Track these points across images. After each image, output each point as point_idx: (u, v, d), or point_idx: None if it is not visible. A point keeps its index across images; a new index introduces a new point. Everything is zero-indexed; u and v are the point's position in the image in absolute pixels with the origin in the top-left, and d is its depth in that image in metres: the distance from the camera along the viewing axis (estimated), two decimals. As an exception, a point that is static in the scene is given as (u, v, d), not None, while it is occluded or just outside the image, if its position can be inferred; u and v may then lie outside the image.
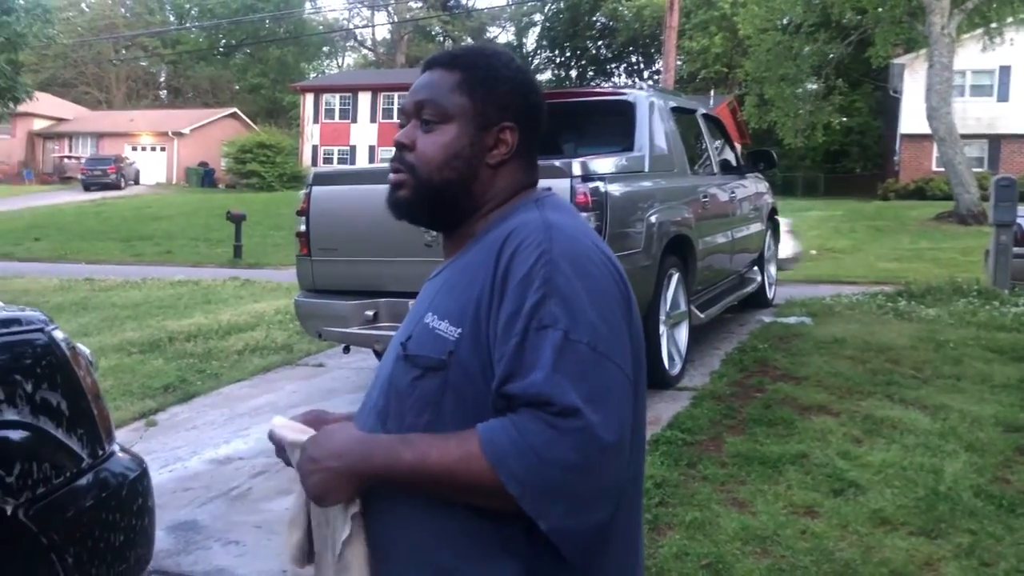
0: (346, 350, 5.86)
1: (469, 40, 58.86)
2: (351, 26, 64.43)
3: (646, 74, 55.35)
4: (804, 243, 12.59)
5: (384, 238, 4.86)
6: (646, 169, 5.58)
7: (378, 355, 5.29)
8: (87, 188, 37.88)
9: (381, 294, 5.05)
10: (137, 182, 41.55)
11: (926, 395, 5.11)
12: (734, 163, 7.67)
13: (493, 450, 1.09)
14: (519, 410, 1.10)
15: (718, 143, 7.53)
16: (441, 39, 59.86)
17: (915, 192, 28.81)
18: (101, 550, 2.14)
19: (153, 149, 46.43)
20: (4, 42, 15.67)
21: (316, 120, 43.90)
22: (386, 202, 1.35)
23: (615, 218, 4.80)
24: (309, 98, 44.42)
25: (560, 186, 4.51)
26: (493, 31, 62.65)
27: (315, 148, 43.35)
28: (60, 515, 2.03)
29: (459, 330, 1.18)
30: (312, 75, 60.24)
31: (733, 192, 7.12)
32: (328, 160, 42.47)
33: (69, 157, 45.90)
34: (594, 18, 54.33)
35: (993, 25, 21.31)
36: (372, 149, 41.93)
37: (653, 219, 5.24)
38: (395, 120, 42.41)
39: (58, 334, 2.21)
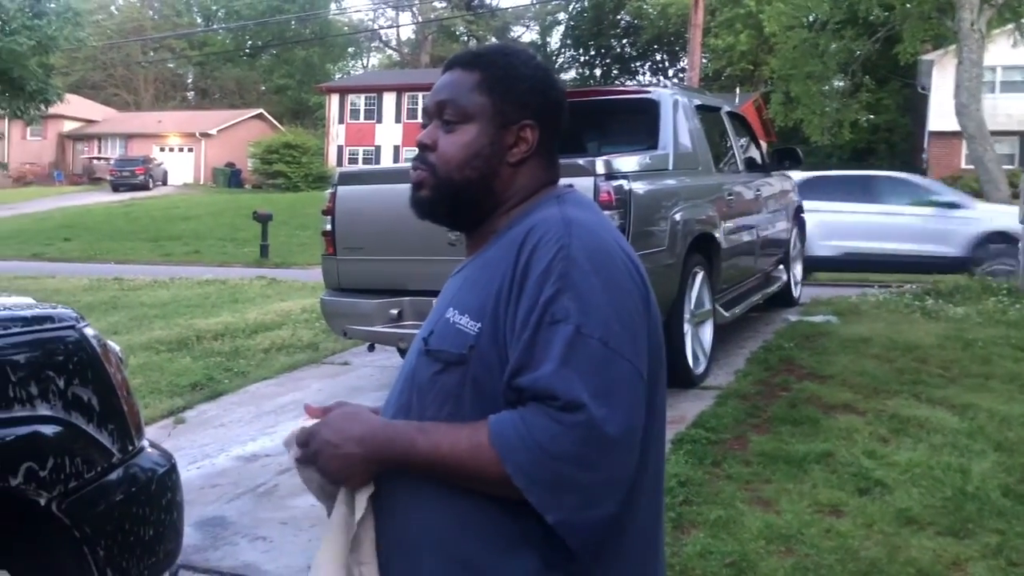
0: (371, 348, 5.90)
1: (493, 39, 58.93)
2: (376, 27, 64.73)
3: (671, 72, 55.12)
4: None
5: (408, 237, 4.88)
6: (670, 167, 5.57)
7: (402, 353, 5.32)
8: (116, 189, 38.30)
9: (405, 293, 5.08)
10: (165, 183, 41.96)
11: (953, 394, 5.06)
12: (759, 161, 7.63)
13: (501, 442, 1.11)
14: (527, 403, 1.12)
15: (743, 141, 7.49)
16: (465, 39, 59.91)
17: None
18: (131, 544, 2.18)
19: (181, 150, 46.88)
20: (36, 45, 15.87)
21: (341, 120, 44.11)
22: (409, 202, 1.36)
23: (639, 216, 4.79)
24: (334, 99, 44.65)
25: (584, 184, 4.52)
26: (517, 30, 62.65)
27: (340, 148, 43.57)
28: (92, 509, 2.07)
29: (479, 324, 1.20)
30: (337, 76, 60.54)
31: (758, 190, 7.08)
32: (353, 160, 42.66)
33: (98, 158, 46.45)
34: (619, 16, 54.19)
35: (1024, 20, 21.02)
36: (397, 149, 42.07)
37: (677, 217, 5.23)
38: (420, 120, 42.16)
39: (89, 331, 2.25)
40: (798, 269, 8.71)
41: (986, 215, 11.75)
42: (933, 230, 11.39)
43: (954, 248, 11.18)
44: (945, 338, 6.50)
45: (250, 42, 61.96)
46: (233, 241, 21.48)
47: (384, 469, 1.22)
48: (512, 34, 61.53)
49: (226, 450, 4.69)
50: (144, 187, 38.74)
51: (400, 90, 43.17)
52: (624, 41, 56.75)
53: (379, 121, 43.42)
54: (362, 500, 1.25)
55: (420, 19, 59.38)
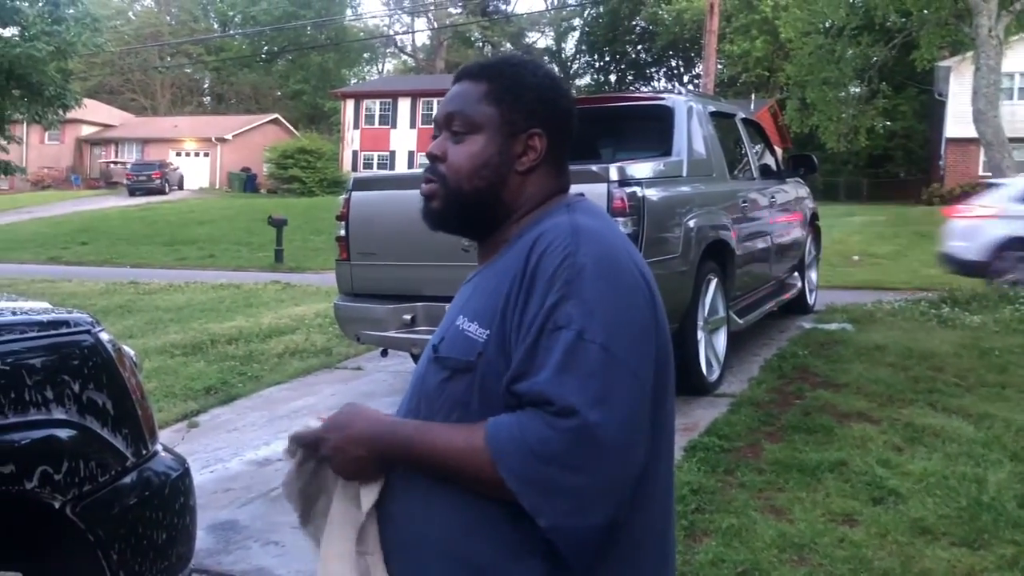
0: (384, 354, 5.91)
1: (508, 46, 59.05)
2: (391, 32, 64.97)
3: (686, 78, 55.09)
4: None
5: (422, 243, 4.88)
6: (684, 174, 5.56)
7: (415, 359, 5.34)
8: (132, 193, 38.55)
9: (419, 298, 5.09)
10: (181, 187, 42.21)
11: (969, 403, 5.03)
12: (774, 168, 7.60)
13: (496, 445, 1.12)
14: (525, 408, 1.13)
15: (758, 147, 7.48)
16: (480, 45, 60.06)
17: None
18: (144, 547, 2.19)
19: (197, 155, 47.15)
20: (54, 51, 16.01)
21: (356, 126, 44.26)
22: (421, 214, 1.37)
23: (652, 223, 4.78)
24: (350, 104, 44.81)
25: (597, 191, 4.52)
26: (532, 36, 62.76)
27: (355, 153, 43.70)
28: (105, 512, 2.08)
29: (487, 332, 1.21)
30: (353, 81, 60.78)
31: (773, 197, 7.06)
32: (368, 165, 42.79)
33: (115, 162, 46.80)
34: (634, 22, 54.19)
35: (1042, 27, 20.91)
36: (411, 154, 42.17)
37: (691, 224, 5.22)
38: (435, 120, 42.00)
39: (104, 336, 2.26)
40: (813, 276, 8.68)
41: None
42: None
43: None
44: (961, 346, 6.45)
45: (266, 47, 62.31)
46: (248, 246, 21.58)
47: (391, 466, 1.25)
48: (527, 40, 61.64)
49: (239, 454, 4.71)
50: (160, 191, 38.98)
51: (415, 95, 43.29)
52: (639, 47, 56.76)
53: (394, 126, 43.54)
54: (369, 494, 1.27)
55: (435, 25, 59.56)
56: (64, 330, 2.16)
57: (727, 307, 5.81)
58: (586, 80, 58.44)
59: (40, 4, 16.53)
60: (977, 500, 3.56)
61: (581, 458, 1.09)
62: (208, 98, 67.52)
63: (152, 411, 2.40)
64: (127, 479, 2.18)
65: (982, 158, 26.21)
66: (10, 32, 16.62)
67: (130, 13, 64.37)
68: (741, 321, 6.11)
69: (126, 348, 2.39)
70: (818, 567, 3.07)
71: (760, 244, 6.62)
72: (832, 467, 3.99)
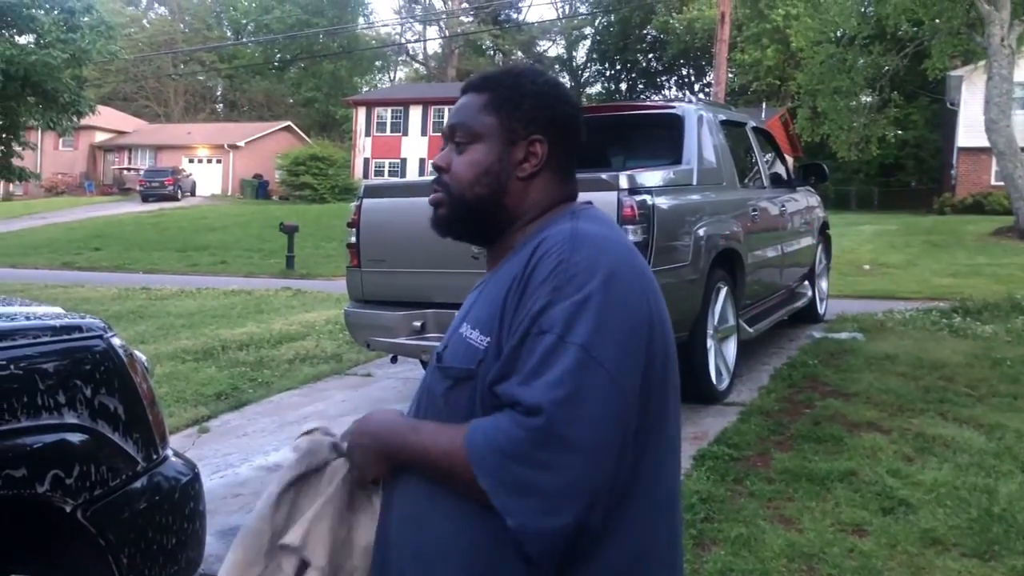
0: (394, 360, 5.92)
1: (519, 54, 59.19)
2: (403, 40, 65.22)
3: (697, 87, 55.08)
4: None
5: (432, 250, 4.89)
6: (694, 182, 5.56)
7: (425, 365, 5.34)
8: (145, 199, 38.76)
9: (429, 305, 5.10)
10: (193, 194, 42.42)
11: (981, 413, 5.00)
12: (785, 176, 7.60)
13: (472, 446, 1.14)
14: (504, 409, 1.15)
15: (768, 156, 7.47)
16: (492, 53, 60.22)
17: (973, 206, 28.21)
18: (154, 552, 2.20)
19: (209, 161, 47.38)
20: (69, 58, 16.13)
21: (368, 133, 44.43)
22: (430, 222, 1.40)
23: (662, 231, 4.79)
24: (361, 112, 44.99)
25: (607, 199, 4.52)
26: (543, 45, 62.90)
27: (367, 161, 43.86)
28: (116, 516, 2.09)
29: (488, 339, 1.21)
30: (364, 89, 61.02)
31: (783, 206, 7.05)
32: (379, 173, 42.92)
33: (128, 169, 47.08)
34: (644, 31, 54.25)
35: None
36: (422, 162, 42.28)
37: (701, 232, 5.22)
38: (441, 134, 42.26)
39: (116, 341, 2.28)
40: (824, 285, 8.65)
41: None
42: None
43: None
44: (973, 356, 6.42)
45: (279, 55, 62.63)
46: (259, 252, 21.64)
47: (396, 463, 1.29)
48: (538, 48, 61.77)
49: (249, 460, 4.72)
50: (173, 198, 39.18)
51: (426, 103, 43.43)
52: (650, 56, 56.81)
53: (405, 134, 43.68)
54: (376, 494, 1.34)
55: (447, 33, 59.77)
56: (76, 335, 2.18)
57: (737, 316, 5.80)
58: (597, 88, 58.58)
59: (55, 12, 16.66)
60: (988, 511, 3.54)
61: (548, 457, 1.10)
62: (221, 105, 67.89)
63: (163, 416, 2.41)
64: (138, 483, 2.19)
65: (994, 167, 26.14)
66: (26, 40, 16.77)
67: (144, 21, 64.82)
68: (751, 330, 6.10)
69: (138, 353, 2.41)
70: (827, 577, 3.06)
71: (770, 253, 6.61)
72: (842, 477, 3.97)
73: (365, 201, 5.47)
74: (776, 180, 7.31)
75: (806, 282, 8.00)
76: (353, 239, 5.48)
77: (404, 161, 43.14)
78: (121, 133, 50.29)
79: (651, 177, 5.03)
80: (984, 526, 3.42)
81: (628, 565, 1.19)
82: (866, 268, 15.23)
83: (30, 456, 1.90)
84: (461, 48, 59.07)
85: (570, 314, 1.14)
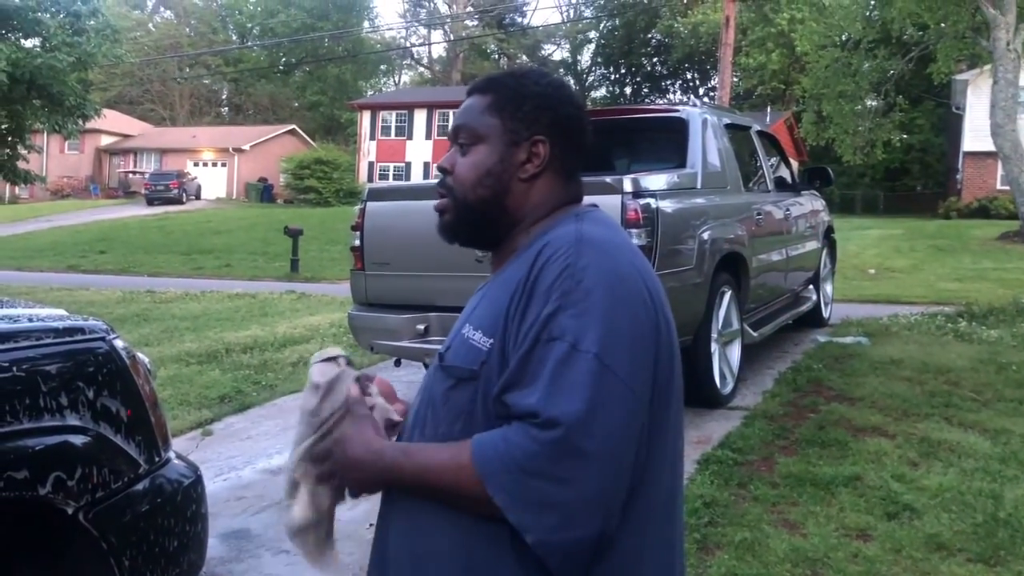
0: (397, 363, 5.92)
1: (524, 58, 59.24)
2: (408, 44, 65.32)
3: (702, 91, 55.11)
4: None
5: (436, 253, 4.90)
6: (698, 186, 5.56)
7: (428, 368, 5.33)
8: (150, 202, 38.85)
9: (432, 308, 5.10)
10: (198, 197, 42.50)
11: (986, 418, 4.98)
12: (789, 180, 7.59)
13: (482, 463, 1.12)
14: (512, 422, 1.13)
15: (773, 160, 7.46)
16: (496, 57, 60.27)
17: (978, 211, 28.15)
18: (156, 554, 2.20)
19: (214, 165, 47.48)
20: (75, 62, 16.17)
21: (373, 137, 44.48)
22: (436, 228, 1.40)
23: (666, 235, 4.78)
24: (366, 115, 45.05)
25: (611, 202, 4.52)
26: (548, 48, 62.93)
27: (371, 164, 43.90)
28: (118, 518, 2.09)
29: (491, 341, 1.21)
30: (369, 93, 61.10)
31: (788, 209, 7.04)
32: (384, 176, 42.97)
33: (134, 172, 47.19)
34: (649, 35, 54.27)
35: (1061, 40, 20.75)
36: (427, 165, 42.31)
37: (705, 236, 5.21)
38: (447, 136, 42.33)
39: (119, 343, 2.28)
40: (828, 289, 8.63)
41: None
42: None
43: None
44: (978, 361, 6.40)
45: (284, 59, 62.78)
46: (264, 255, 21.68)
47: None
48: (543, 52, 61.82)
49: (252, 463, 4.72)
50: (178, 201, 39.25)
51: (431, 107, 43.48)
52: (655, 59, 56.83)
53: (410, 138, 43.73)
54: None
55: (452, 37, 59.85)
56: (79, 337, 2.18)
57: (741, 320, 5.79)
58: (601, 92, 58.56)
59: (61, 16, 16.71)
60: (993, 516, 3.53)
61: (566, 470, 1.08)
62: (226, 109, 68.05)
63: (165, 418, 2.41)
64: (140, 486, 2.19)
65: (1000, 172, 26.10)
66: (31, 43, 16.82)
67: (150, 25, 65.04)
68: (755, 334, 6.08)
69: (140, 355, 2.41)
70: (831, 582, 3.05)
71: (775, 256, 6.60)
72: (846, 481, 3.96)
73: (369, 204, 5.47)
74: (781, 184, 7.29)
75: (811, 286, 7.98)
76: (357, 242, 5.48)
77: (409, 165, 43.18)
78: (126, 136, 50.43)
79: (655, 181, 5.03)
80: (989, 531, 3.40)
81: (624, 565, 1.18)
82: (871, 272, 15.21)
83: (32, 458, 1.90)
84: (466, 52, 59.14)
85: (580, 321, 1.13)
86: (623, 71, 58.46)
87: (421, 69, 66.81)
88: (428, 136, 43.09)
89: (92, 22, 17.24)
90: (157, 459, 2.29)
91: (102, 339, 2.23)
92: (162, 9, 67.69)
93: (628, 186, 4.66)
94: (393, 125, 44.32)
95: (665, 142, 6.39)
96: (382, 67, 67.07)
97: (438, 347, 1.37)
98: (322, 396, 1.34)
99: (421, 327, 5.10)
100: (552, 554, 1.10)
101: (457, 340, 1.28)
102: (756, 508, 3.71)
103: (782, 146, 8.12)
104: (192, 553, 2.36)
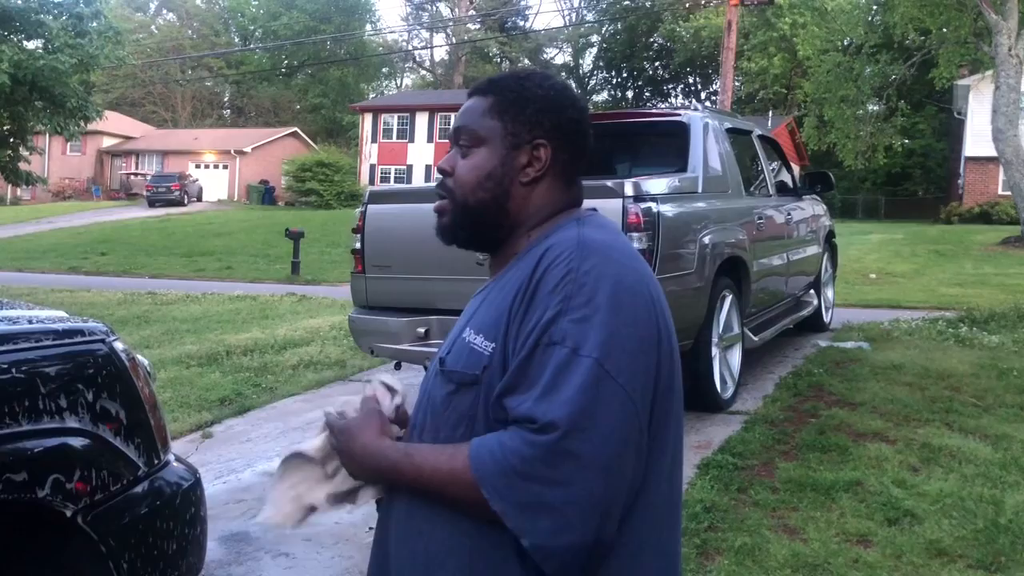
0: (397, 367, 5.91)
1: (526, 61, 59.27)
2: (410, 47, 65.39)
3: (704, 95, 55.10)
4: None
5: (437, 256, 4.90)
6: (700, 190, 5.55)
7: (429, 372, 5.33)
8: (152, 204, 38.86)
9: (433, 311, 5.10)
10: (200, 199, 42.51)
11: (987, 424, 4.98)
12: (791, 185, 7.58)
13: (479, 467, 1.12)
14: (509, 427, 1.13)
15: (774, 164, 7.46)
16: (498, 60, 60.32)
17: (980, 216, 28.14)
18: (154, 557, 2.19)
19: (216, 167, 47.51)
20: (77, 64, 16.18)
21: (374, 140, 44.52)
22: (435, 230, 1.39)
23: (667, 238, 4.78)
24: (368, 118, 45.09)
25: (612, 206, 4.52)
26: (550, 52, 62.98)
27: (373, 167, 43.93)
28: (117, 521, 2.08)
29: (493, 344, 1.20)
30: (371, 95, 61.17)
31: (789, 214, 7.04)
32: (385, 179, 43.00)
33: (135, 174, 47.22)
34: (651, 39, 54.32)
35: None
36: (428, 168, 42.34)
37: (706, 240, 5.21)
38: (448, 137, 42.42)
39: (118, 345, 2.28)
40: (829, 294, 8.63)
41: None
42: None
43: None
44: (979, 366, 6.39)
45: (286, 62, 62.84)
46: (265, 257, 21.70)
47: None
48: (545, 56, 61.85)
49: (252, 465, 4.71)
50: (179, 203, 39.27)
51: (433, 110, 43.51)
52: (656, 63, 56.87)
53: (411, 140, 43.76)
54: (367, 495, 1.34)
55: (454, 40, 59.90)
56: (79, 339, 2.17)
57: (742, 324, 5.79)
58: (603, 96, 58.59)
59: (64, 18, 16.72)
60: (994, 522, 3.52)
61: (563, 474, 1.08)
62: (228, 111, 68.12)
63: (165, 421, 2.41)
64: (138, 488, 2.19)
65: (1001, 177, 26.09)
66: (34, 45, 16.84)
67: (152, 27, 65.16)
68: (756, 338, 6.08)
69: (140, 358, 2.40)
70: (831, 588, 3.04)
71: (776, 261, 6.59)
72: (847, 487, 3.95)
73: (370, 207, 5.47)
74: (782, 188, 7.29)
75: (812, 291, 7.98)
76: (358, 245, 5.47)
77: (410, 167, 43.21)
78: (128, 138, 50.48)
79: (656, 184, 5.03)
80: (990, 537, 3.39)
81: (622, 573, 1.18)
82: (872, 277, 15.20)
83: (31, 460, 1.90)
84: (468, 55, 59.18)
85: (582, 326, 1.13)
86: (625, 75, 58.51)
87: (423, 72, 66.92)
88: (430, 139, 43.12)
89: (94, 24, 17.26)
90: (156, 462, 2.28)
91: (102, 341, 2.23)
92: (165, 11, 67.86)
93: (629, 190, 4.66)
94: (395, 128, 44.36)
95: (666, 146, 6.38)
96: (384, 70, 67.15)
97: (438, 350, 1.36)
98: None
99: (422, 330, 5.10)
100: (548, 558, 1.10)
101: (458, 344, 1.27)
102: (756, 513, 3.70)
103: (783, 150, 8.12)
104: (191, 556, 2.35)
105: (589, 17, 59.16)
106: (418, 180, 41.76)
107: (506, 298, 1.22)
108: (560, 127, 1.33)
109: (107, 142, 48.93)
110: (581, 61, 61.26)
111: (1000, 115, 18.63)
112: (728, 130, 6.32)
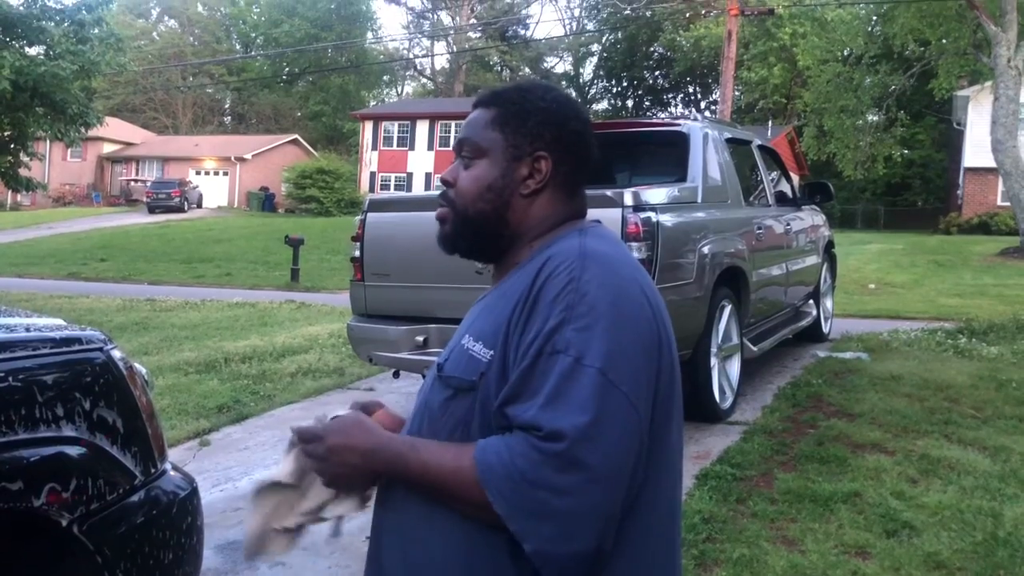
0: (396, 375, 5.91)
1: (527, 70, 59.41)
2: (411, 55, 65.52)
3: (703, 104, 55.23)
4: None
5: (436, 264, 4.91)
6: (699, 200, 5.56)
7: (428, 381, 5.32)
8: (152, 211, 38.90)
9: (432, 320, 5.10)
10: (200, 205, 42.54)
11: (986, 436, 4.97)
12: (790, 195, 7.59)
13: (483, 468, 1.12)
14: (514, 431, 1.13)
15: (774, 174, 7.47)
16: (499, 69, 60.45)
17: (979, 226, 28.17)
18: (150, 567, 2.18)
19: (216, 173, 47.56)
20: (79, 70, 16.18)
21: (375, 147, 44.58)
22: (436, 239, 1.40)
23: (667, 248, 4.78)
24: (368, 126, 45.15)
25: (612, 216, 4.52)
26: (551, 61, 63.13)
27: (373, 175, 43.98)
28: (112, 530, 2.07)
29: (491, 352, 1.21)
30: (372, 103, 61.26)
31: (788, 224, 7.04)
32: (385, 187, 43.04)
33: (136, 180, 47.25)
34: (651, 48, 54.45)
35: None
36: (429, 176, 42.39)
37: (705, 250, 5.21)
38: (452, 148, 42.56)
39: (116, 353, 2.27)
40: (828, 304, 8.63)
41: None
42: None
43: None
44: (978, 378, 6.39)
45: (287, 69, 62.96)
46: (265, 264, 21.70)
47: (380, 480, 1.27)
48: (545, 65, 62.00)
49: (250, 473, 4.70)
50: (179, 209, 39.30)
51: (433, 118, 43.59)
52: (657, 73, 57.00)
53: (412, 148, 43.82)
54: (339, 508, 1.32)
55: (454, 49, 60.03)
56: (76, 347, 2.17)
57: (741, 334, 5.78)
58: (603, 105, 58.71)
59: (65, 24, 16.73)
60: (993, 535, 3.51)
61: (569, 483, 1.09)
62: (229, 118, 68.22)
63: (162, 429, 2.40)
64: (135, 497, 2.18)
65: (1000, 188, 26.14)
66: (35, 51, 16.84)
67: (154, 33, 65.32)
68: (755, 348, 6.07)
69: (137, 366, 2.40)
70: (830, 600, 3.03)
71: (775, 271, 6.59)
72: (845, 498, 3.94)
73: (370, 215, 5.47)
74: (781, 198, 7.30)
75: (811, 301, 7.98)
76: (357, 253, 5.48)
77: (410, 175, 43.26)
78: (129, 144, 50.53)
79: (656, 194, 5.03)
80: (989, 550, 3.38)
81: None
82: (871, 287, 15.21)
83: (27, 469, 1.89)
84: (469, 64, 59.31)
85: (584, 335, 1.14)
86: (625, 84, 58.63)
87: (424, 80, 67.01)
88: (430, 147, 43.19)
89: (96, 31, 17.25)
90: (153, 470, 2.27)
91: (99, 349, 2.22)
92: (166, 18, 68.03)
93: (629, 199, 4.67)
94: (395, 136, 44.43)
95: (666, 156, 6.39)
96: (385, 78, 67.28)
97: (437, 358, 1.36)
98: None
99: (420, 339, 5.10)
100: (548, 564, 1.10)
101: (456, 351, 1.28)
102: (754, 524, 3.69)
103: (783, 160, 8.13)
104: (187, 565, 2.34)
105: (590, 26, 59.30)
106: (418, 188, 41.81)
107: (506, 307, 1.23)
108: (561, 139, 1.33)
109: (108, 148, 48.98)
110: (581, 70, 61.45)
111: (999, 126, 18.65)
112: (728, 140, 6.33)
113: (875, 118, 25.68)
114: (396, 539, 1.26)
